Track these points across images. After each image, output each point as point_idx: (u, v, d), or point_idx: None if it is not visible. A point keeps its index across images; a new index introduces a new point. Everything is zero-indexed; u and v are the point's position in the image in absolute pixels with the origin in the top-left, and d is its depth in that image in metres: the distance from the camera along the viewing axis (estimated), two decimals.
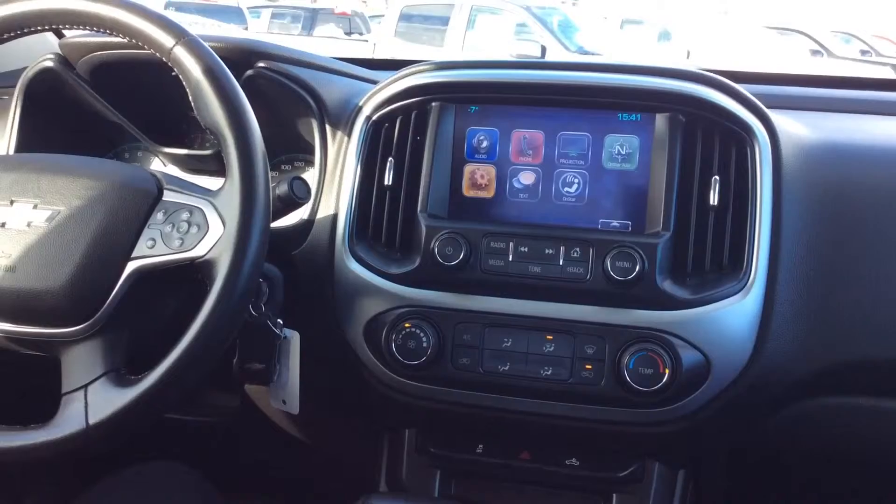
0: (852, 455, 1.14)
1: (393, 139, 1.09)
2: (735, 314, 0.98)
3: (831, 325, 1.00)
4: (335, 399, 1.27)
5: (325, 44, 8.84)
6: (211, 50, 0.89)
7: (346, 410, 1.31)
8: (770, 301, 0.98)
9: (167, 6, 10.67)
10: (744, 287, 0.98)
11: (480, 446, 1.14)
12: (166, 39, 0.88)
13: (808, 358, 1.00)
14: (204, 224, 0.86)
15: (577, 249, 1.00)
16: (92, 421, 0.83)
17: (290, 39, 9.69)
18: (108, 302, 0.86)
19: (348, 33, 11.64)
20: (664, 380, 0.96)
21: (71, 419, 0.84)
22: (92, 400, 0.84)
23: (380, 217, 1.07)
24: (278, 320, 1.05)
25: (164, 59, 0.89)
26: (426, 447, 1.16)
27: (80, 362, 0.86)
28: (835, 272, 1.01)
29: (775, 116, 1.05)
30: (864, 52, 11.02)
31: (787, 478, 1.26)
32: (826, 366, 1.01)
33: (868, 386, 1.04)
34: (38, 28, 0.94)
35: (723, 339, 0.98)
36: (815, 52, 9.93)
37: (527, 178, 1.05)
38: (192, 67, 0.87)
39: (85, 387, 0.85)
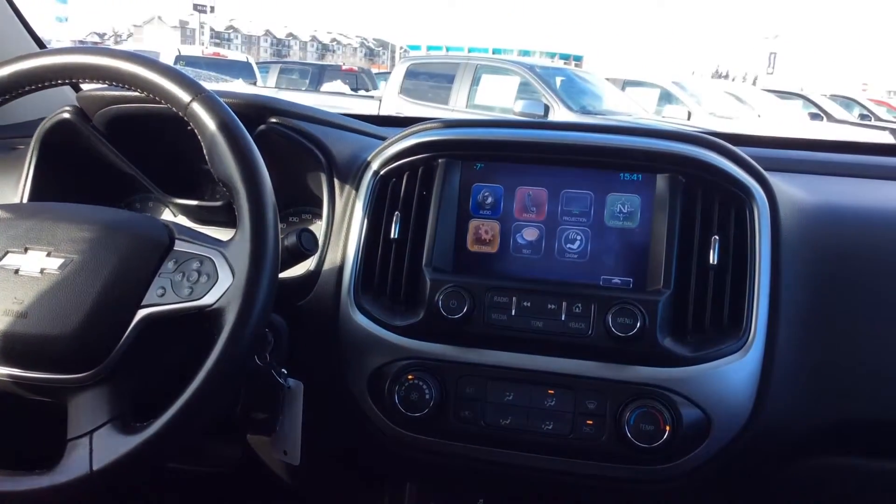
0: None
1: (400, 194, 1.11)
2: (735, 372, 0.98)
3: (830, 384, 1.01)
4: (337, 450, 1.26)
5: (332, 99, 8.96)
6: (226, 106, 0.92)
7: (348, 462, 1.31)
8: (770, 360, 0.99)
9: (177, 60, 10.89)
10: (743, 346, 0.99)
11: (481, 500, 1.14)
12: (183, 95, 0.90)
13: (808, 417, 1.01)
14: (214, 273, 0.87)
15: (579, 305, 1.01)
16: (96, 467, 0.82)
17: (297, 95, 9.85)
18: (116, 349, 0.86)
19: (355, 89, 11.84)
20: (665, 436, 0.96)
21: (75, 465, 0.83)
22: (97, 446, 0.84)
23: (385, 270, 1.09)
24: (283, 370, 1.05)
25: (180, 113, 0.91)
26: (427, 500, 1.16)
27: (87, 409, 0.87)
28: (834, 333, 1.02)
29: (774, 179, 1.07)
30: (863, 117, 11.18)
31: None
32: (826, 425, 1.01)
33: (868, 446, 1.04)
34: (59, 82, 0.96)
35: (723, 397, 0.99)
36: (814, 116, 10.06)
37: (530, 234, 1.07)
38: (207, 122, 0.90)
39: (90, 433, 0.85)
